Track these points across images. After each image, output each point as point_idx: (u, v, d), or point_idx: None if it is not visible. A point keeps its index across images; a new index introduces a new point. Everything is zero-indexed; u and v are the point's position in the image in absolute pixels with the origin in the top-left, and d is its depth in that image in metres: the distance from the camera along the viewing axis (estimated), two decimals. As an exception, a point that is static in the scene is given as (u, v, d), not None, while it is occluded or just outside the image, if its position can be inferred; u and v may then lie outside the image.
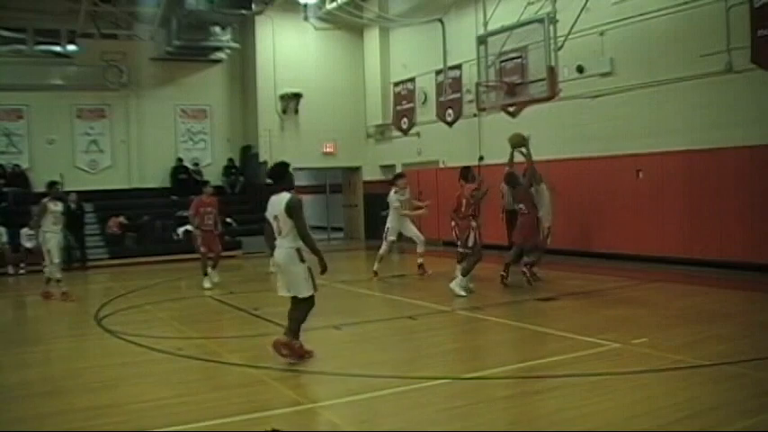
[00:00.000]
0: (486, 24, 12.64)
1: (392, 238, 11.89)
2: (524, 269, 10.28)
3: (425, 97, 18.34)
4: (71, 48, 18.35)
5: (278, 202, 6.10)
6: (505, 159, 10.84)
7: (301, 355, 6.28)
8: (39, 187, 16.60)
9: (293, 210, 6.02)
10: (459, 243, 10.86)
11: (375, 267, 11.89)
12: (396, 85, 19.60)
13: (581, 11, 11.81)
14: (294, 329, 6.17)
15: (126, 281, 13.07)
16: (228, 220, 16.15)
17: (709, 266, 10.94)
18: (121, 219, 17.21)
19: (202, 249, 11.56)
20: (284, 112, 19.70)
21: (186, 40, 18.02)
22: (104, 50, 18.56)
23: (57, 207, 10.78)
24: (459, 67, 16.95)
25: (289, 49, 19.60)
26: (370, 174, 20.67)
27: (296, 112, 19.71)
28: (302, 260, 6.08)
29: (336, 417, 4.82)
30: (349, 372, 5.90)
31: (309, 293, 6.14)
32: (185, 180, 18.89)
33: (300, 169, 18.31)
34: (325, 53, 20.12)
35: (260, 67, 19.50)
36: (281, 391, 5.55)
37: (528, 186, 10.21)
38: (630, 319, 7.89)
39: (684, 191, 11.55)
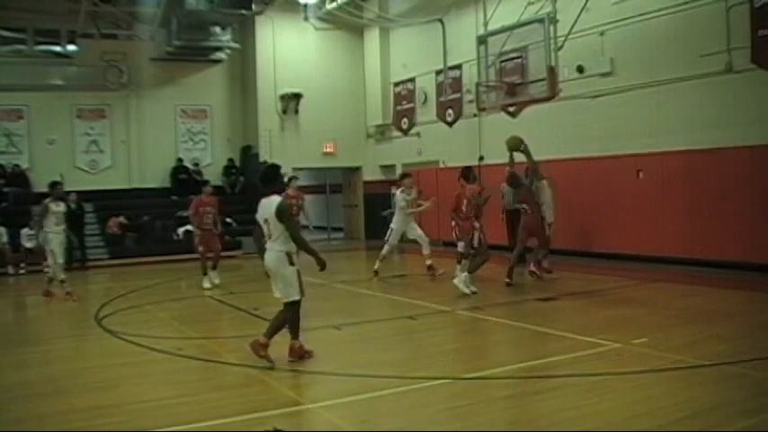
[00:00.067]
0: (486, 24, 12.64)
1: (394, 242, 11.81)
2: (534, 270, 10.31)
3: (425, 97, 18.34)
4: (71, 48, 18.36)
5: (268, 205, 6.10)
6: (505, 160, 10.85)
7: (301, 355, 6.28)
8: (39, 187, 16.64)
9: (284, 213, 6.02)
10: (459, 243, 10.88)
11: (376, 267, 11.90)
12: (396, 85, 19.60)
13: (581, 11, 11.81)
14: (273, 332, 6.12)
15: (126, 281, 13.07)
16: (228, 220, 16.14)
17: (710, 266, 10.93)
18: (121, 219, 17.21)
19: (201, 249, 11.56)
20: (284, 112, 19.70)
21: (186, 40, 18.02)
22: (104, 50, 18.56)
23: (59, 207, 10.78)
24: (459, 67, 16.95)
25: (289, 50, 19.61)
26: (371, 174, 20.67)
27: (296, 112, 19.71)
28: (291, 263, 6.08)
29: (336, 417, 4.82)
30: (349, 372, 5.91)
31: (296, 297, 6.13)
32: (185, 180, 18.89)
33: (300, 169, 18.34)
34: (325, 53, 20.12)
35: (260, 68, 19.50)
36: (281, 391, 5.55)
37: (531, 186, 10.22)
38: (630, 319, 7.90)
39: (684, 191, 11.54)
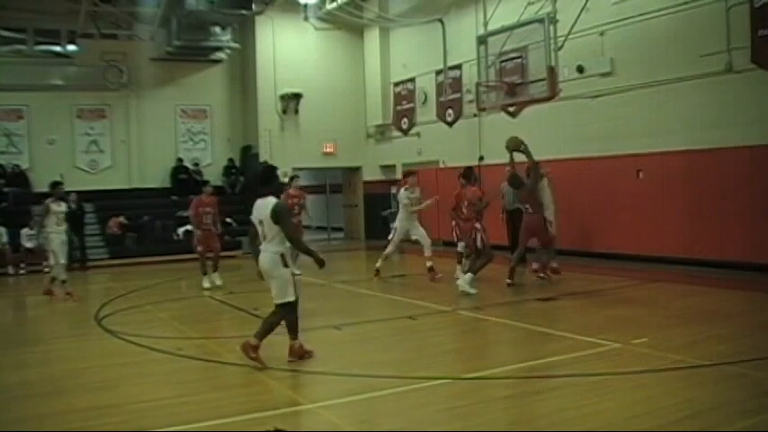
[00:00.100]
0: (486, 24, 12.64)
1: (397, 241, 11.73)
2: (537, 269, 10.31)
3: (425, 97, 18.34)
4: (71, 48, 18.36)
5: (264, 207, 6.10)
6: (505, 160, 10.84)
7: (301, 355, 6.28)
8: (39, 187, 16.65)
9: (279, 215, 6.02)
10: (459, 243, 10.88)
11: (378, 265, 11.86)
12: (396, 85, 19.60)
13: (581, 11, 11.81)
14: (264, 334, 6.09)
15: (126, 281, 13.08)
16: (228, 220, 16.15)
17: (710, 266, 10.93)
18: (122, 219, 17.22)
19: (199, 249, 11.56)
20: (284, 112, 19.70)
21: (186, 40, 18.01)
22: (104, 50, 18.55)
23: (60, 207, 10.78)
24: (459, 67, 16.95)
25: (289, 50, 19.60)
26: (371, 174, 20.67)
27: (296, 112, 19.71)
28: (285, 265, 6.06)
29: (336, 417, 4.82)
30: (349, 372, 5.91)
31: (290, 299, 6.12)
32: (185, 180, 18.89)
33: (300, 169, 18.34)
34: (325, 53, 20.12)
35: (260, 68, 19.49)
36: (281, 391, 5.56)
37: (533, 186, 10.22)
38: (631, 319, 7.90)
39: (684, 191, 11.54)
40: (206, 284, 11.44)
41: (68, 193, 14.70)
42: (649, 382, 5.33)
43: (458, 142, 16.99)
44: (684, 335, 6.93)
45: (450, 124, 17.44)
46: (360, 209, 21.05)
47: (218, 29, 18.42)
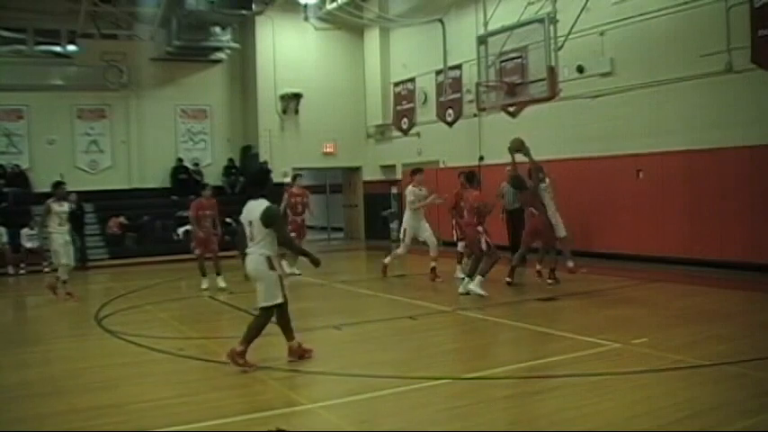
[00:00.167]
0: (486, 24, 12.64)
1: (408, 242, 11.62)
2: (550, 280, 10.29)
3: (425, 97, 18.34)
4: (71, 48, 18.37)
5: (255, 208, 6.06)
6: (504, 159, 10.83)
7: (301, 354, 6.28)
8: (39, 187, 16.67)
9: (271, 218, 5.99)
10: (459, 243, 10.88)
11: (386, 261, 11.78)
12: (396, 85, 19.60)
13: (581, 11, 11.82)
14: (250, 339, 6.03)
15: (126, 281, 13.07)
16: (228, 220, 16.14)
17: (709, 266, 10.93)
18: (122, 219, 17.23)
19: (197, 251, 11.52)
20: (284, 112, 19.71)
21: (186, 40, 18.02)
22: (104, 51, 18.56)
23: (62, 207, 10.76)
24: (459, 67, 16.96)
25: (289, 50, 19.61)
26: (371, 174, 20.68)
27: (296, 112, 19.71)
28: (272, 268, 6.03)
29: (336, 417, 4.82)
30: (349, 372, 5.91)
31: (278, 301, 6.08)
32: (185, 180, 18.90)
33: (300, 169, 18.33)
34: (325, 53, 20.13)
35: (260, 68, 19.50)
36: (281, 391, 5.56)
37: (535, 188, 10.21)
38: (630, 319, 7.90)
39: (684, 191, 11.54)
40: (204, 285, 11.42)
41: (68, 193, 14.69)
42: (649, 382, 5.33)
43: (458, 142, 17.00)
44: (684, 335, 6.93)
45: (451, 124, 17.44)
46: (360, 209, 21.06)
47: (218, 29, 18.43)
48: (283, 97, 19.54)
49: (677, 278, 10.60)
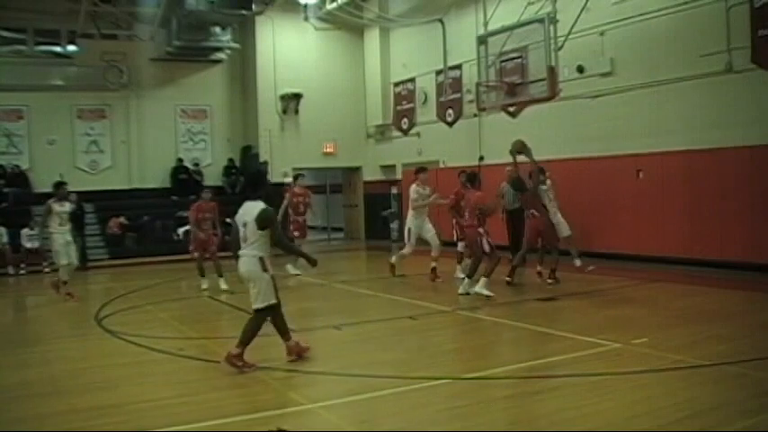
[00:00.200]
0: (486, 24, 12.64)
1: (413, 242, 11.59)
2: (550, 280, 10.29)
3: (426, 97, 18.35)
4: (71, 48, 18.39)
5: (251, 209, 6.04)
6: (504, 160, 10.82)
7: (299, 352, 6.27)
8: (39, 188, 16.68)
9: (266, 221, 5.96)
10: (459, 243, 10.85)
11: (392, 261, 11.76)
12: (396, 85, 19.61)
13: (581, 11, 11.82)
14: (246, 341, 6.02)
15: (126, 281, 13.07)
16: (228, 220, 16.09)
17: (710, 266, 10.94)
18: (122, 219, 17.23)
19: (196, 254, 11.47)
20: (284, 112, 19.71)
21: (186, 40, 18.03)
22: (104, 51, 18.57)
23: (63, 208, 10.75)
24: (459, 67, 16.96)
25: (289, 50, 19.62)
26: (371, 174, 20.68)
27: (296, 112, 19.72)
28: (264, 269, 6.01)
29: (336, 417, 4.82)
30: (349, 372, 5.91)
31: (273, 302, 6.08)
32: (185, 180, 18.91)
33: (300, 169, 18.32)
34: (325, 53, 20.14)
35: (260, 68, 19.51)
36: (281, 391, 5.56)
37: (535, 189, 10.20)
38: (630, 319, 7.90)
39: (684, 191, 11.55)
40: (204, 285, 11.40)
41: (69, 193, 14.71)
42: (649, 382, 5.33)
43: (458, 142, 17.00)
44: (684, 335, 6.92)
45: (451, 124, 17.44)
46: (360, 209, 21.07)
47: (218, 29, 18.45)
48: (283, 97, 19.55)
49: (677, 278, 10.60)
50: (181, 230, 16.79)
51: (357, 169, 20.97)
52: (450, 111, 17.41)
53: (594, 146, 13.11)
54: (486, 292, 9.26)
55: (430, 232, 11.50)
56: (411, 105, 18.94)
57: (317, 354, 6.39)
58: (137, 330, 7.97)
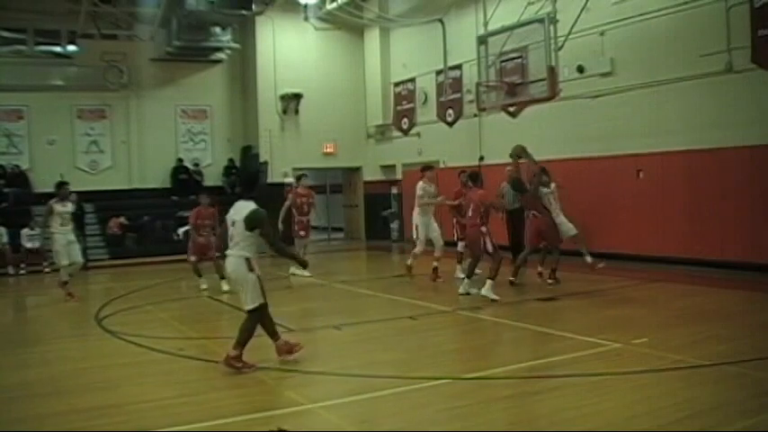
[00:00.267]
0: (486, 24, 12.65)
1: (423, 238, 11.55)
2: (550, 280, 10.28)
3: (426, 97, 18.35)
4: (71, 48, 18.38)
5: (242, 209, 6.04)
6: (505, 160, 10.82)
7: (289, 350, 6.25)
8: (39, 188, 16.68)
9: (255, 222, 5.95)
10: (459, 243, 10.84)
11: (409, 262, 11.73)
12: (396, 85, 19.61)
13: (581, 11, 11.82)
14: (243, 342, 6.01)
15: (126, 281, 13.08)
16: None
17: (710, 266, 10.94)
18: (122, 219, 17.23)
19: (193, 258, 11.42)
20: (284, 112, 19.71)
21: (186, 40, 18.03)
22: (105, 51, 18.56)
23: (64, 208, 10.74)
24: (459, 67, 16.96)
25: (289, 50, 19.61)
26: (371, 174, 20.68)
27: (296, 112, 19.71)
28: (251, 269, 5.99)
29: (336, 417, 4.82)
30: (349, 372, 5.91)
31: (257, 303, 6.05)
32: (186, 180, 18.92)
33: (300, 169, 18.34)
34: (325, 53, 20.13)
35: (260, 68, 19.51)
36: (282, 392, 5.56)
37: (535, 190, 10.19)
38: (631, 319, 7.90)
39: (684, 191, 11.55)
40: (204, 285, 11.39)
41: (71, 193, 14.71)
42: (649, 382, 5.33)
43: (458, 142, 17.00)
44: (684, 335, 6.92)
45: (451, 124, 17.44)
46: (360, 209, 21.07)
47: (218, 29, 18.44)
48: (283, 97, 19.54)
49: (677, 278, 10.60)
50: (181, 230, 16.77)
51: (357, 169, 20.97)
52: (451, 111, 17.41)
53: (594, 146, 13.11)
54: (492, 296, 9.19)
55: (435, 232, 11.49)
56: (411, 105, 18.94)
57: (317, 354, 6.39)
58: (137, 330, 7.97)
